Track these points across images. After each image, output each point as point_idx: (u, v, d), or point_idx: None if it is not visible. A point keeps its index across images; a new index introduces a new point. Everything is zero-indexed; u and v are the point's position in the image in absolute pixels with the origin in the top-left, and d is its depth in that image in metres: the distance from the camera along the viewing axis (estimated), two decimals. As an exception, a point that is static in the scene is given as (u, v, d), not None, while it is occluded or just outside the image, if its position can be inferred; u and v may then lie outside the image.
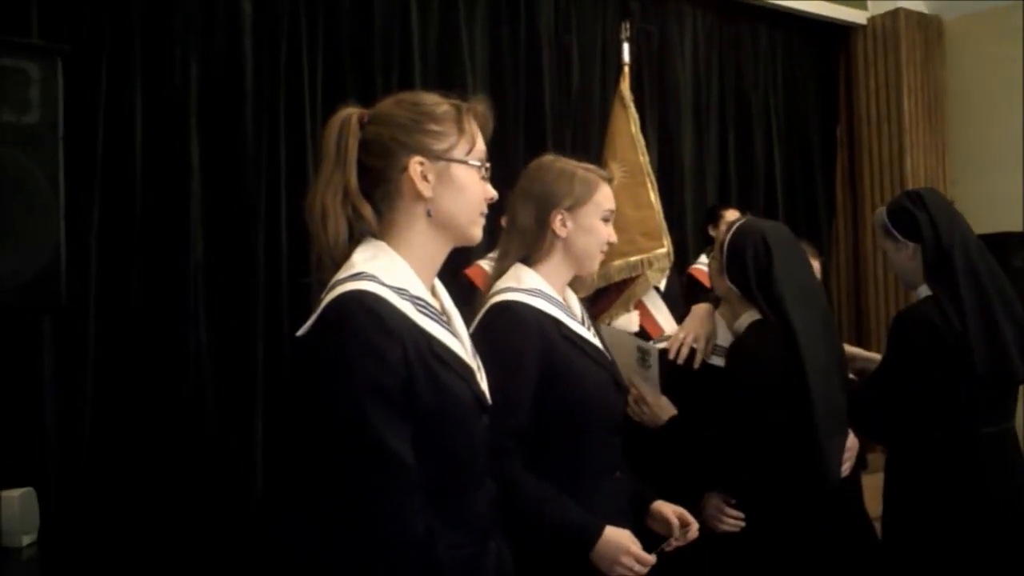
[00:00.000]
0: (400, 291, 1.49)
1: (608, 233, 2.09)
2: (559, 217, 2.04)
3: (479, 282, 2.38)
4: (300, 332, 1.49)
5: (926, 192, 2.71)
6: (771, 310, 2.34)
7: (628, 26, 4.05)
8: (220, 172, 3.63)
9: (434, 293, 1.62)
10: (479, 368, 1.62)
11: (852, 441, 2.46)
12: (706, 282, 4.57)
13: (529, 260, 2.05)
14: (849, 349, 2.83)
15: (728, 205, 5.16)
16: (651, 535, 2.06)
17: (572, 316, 2.05)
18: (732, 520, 2.32)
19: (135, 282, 3.42)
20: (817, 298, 2.49)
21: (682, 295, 4.02)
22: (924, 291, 2.62)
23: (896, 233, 2.65)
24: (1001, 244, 4.48)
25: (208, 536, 3.42)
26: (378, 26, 4.10)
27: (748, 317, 2.41)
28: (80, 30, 3.35)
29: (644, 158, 3.70)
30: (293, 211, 3.74)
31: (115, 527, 3.26)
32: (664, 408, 2.39)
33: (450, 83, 3.93)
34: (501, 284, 2.02)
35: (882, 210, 2.75)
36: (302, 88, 3.86)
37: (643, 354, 2.39)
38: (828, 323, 2.48)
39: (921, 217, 2.60)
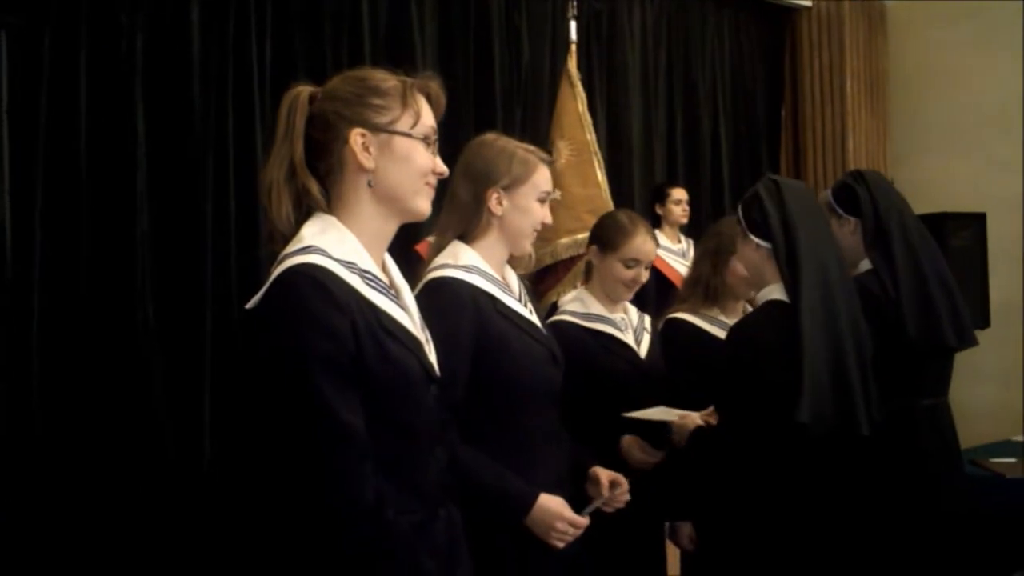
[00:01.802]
0: (348, 264, 1.52)
1: (544, 214, 2.13)
2: (495, 195, 2.07)
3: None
4: (249, 305, 1.52)
5: (868, 172, 2.86)
6: (789, 260, 2.33)
7: (575, 4, 4.08)
8: (167, 144, 3.59)
9: (384, 268, 1.65)
10: (427, 340, 1.66)
11: None
12: (667, 272, 4.64)
13: (466, 237, 2.09)
14: None
15: (675, 183, 5.23)
16: (588, 499, 2.15)
17: (509, 293, 2.09)
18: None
19: (81, 255, 3.38)
20: (832, 252, 2.45)
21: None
22: (865, 265, 2.73)
23: (839, 209, 2.78)
24: (939, 223, 4.61)
25: (156, 509, 3.42)
26: (328, 1, 4.07)
27: (768, 292, 2.43)
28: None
29: (591, 136, 3.76)
30: (241, 184, 3.73)
31: (62, 502, 3.24)
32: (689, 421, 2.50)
33: (399, 59, 3.94)
34: (439, 260, 2.06)
35: (827, 190, 2.89)
36: (250, 60, 3.83)
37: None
38: (842, 286, 2.41)
39: (862, 193, 2.74)
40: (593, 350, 2.55)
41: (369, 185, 1.58)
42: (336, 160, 1.58)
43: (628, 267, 2.60)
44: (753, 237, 2.43)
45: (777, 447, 2.31)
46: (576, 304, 2.66)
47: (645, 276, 2.64)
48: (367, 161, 1.57)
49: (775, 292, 2.40)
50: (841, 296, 2.36)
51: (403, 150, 1.59)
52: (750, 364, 2.31)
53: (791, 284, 2.33)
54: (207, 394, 3.61)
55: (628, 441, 2.55)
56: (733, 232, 2.77)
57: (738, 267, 2.77)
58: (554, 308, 3.01)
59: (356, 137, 1.57)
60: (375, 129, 1.58)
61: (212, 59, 3.73)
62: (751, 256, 2.47)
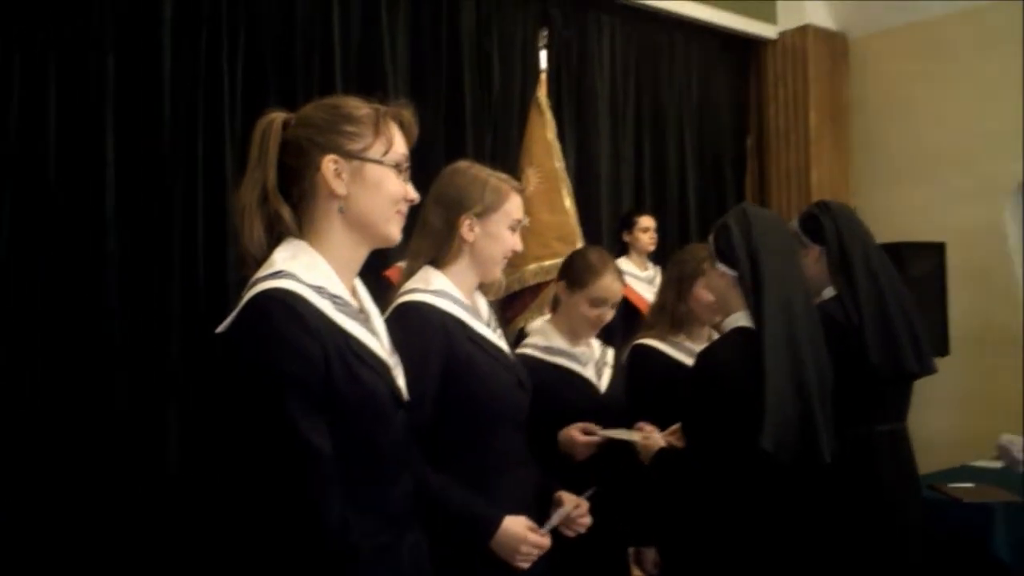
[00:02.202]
0: (319, 289, 1.54)
1: (514, 242, 2.16)
2: (468, 222, 2.10)
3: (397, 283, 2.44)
4: (220, 329, 1.53)
5: (833, 203, 2.95)
6: (754, 288, 2.38)
7: (546, 34, 4.13)
8: (136, 166, 3.58)
9: (354, 292, 1.67)
10: (397, 364, 1.67)
11: None
12: (634, 299, 4.67)
13: (437, 262, 2.11)
14: None
15: (643, 211, 5.29)
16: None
17: (478, 318, 2.12)
18: None
19: (48, 276, 3.36)
20: (799, 281, 2.50)
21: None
22: (829, 292, 2.80)
23: (804, 237, 2.85)
24: (900, 252, 4.70)
25: (119, 531, 3.38)
26: (300, 24, 4.09)
27: (734, 320, 2.47)
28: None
29: (560, 164, 3.80)
30: (210, 207, 3.72)
31: (25, 523, 3.21)
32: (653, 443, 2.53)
33: (371, 84, 3.98)
34: (409, 285, 2.08)
35: (794, 219, 2.96)
36: (221, 84, 3.83)
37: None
38: (807, 315, 2.45)
39: (827, 223, 2.81)
40: (552, 384, 2.55)
41: (340, 211, 1.60)
42: (308, 186, 1.60)
43: (594, 306, 2.61)
44: (720, 264, 2.48)
45: (741, 473, 2.34)
46: (539, 337, 2.68)
47: (610, 315, 2.65)
48: (339, 187, 1.59)
49: (741, 319, 2.44)
50: (805, 325, 2.40)
51: (375, 177, 1.61)
52: (715, 391, 2.35)
53: (755, 311, 2.37)
54: (173, 415, 3.58)
55: (565, 431, 2.54)
56: (697, 259, 2.83)
57: (702, 293, 2.82)
58: (521, 334, 3.03)
59: (328, 164, 1.59)
60: (347, 156, 1.60)
61: (183, 82, 3.73)
62: (718, 283, 2.52)
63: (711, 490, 2.38)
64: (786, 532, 2.36)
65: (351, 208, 1.60)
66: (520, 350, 2.66)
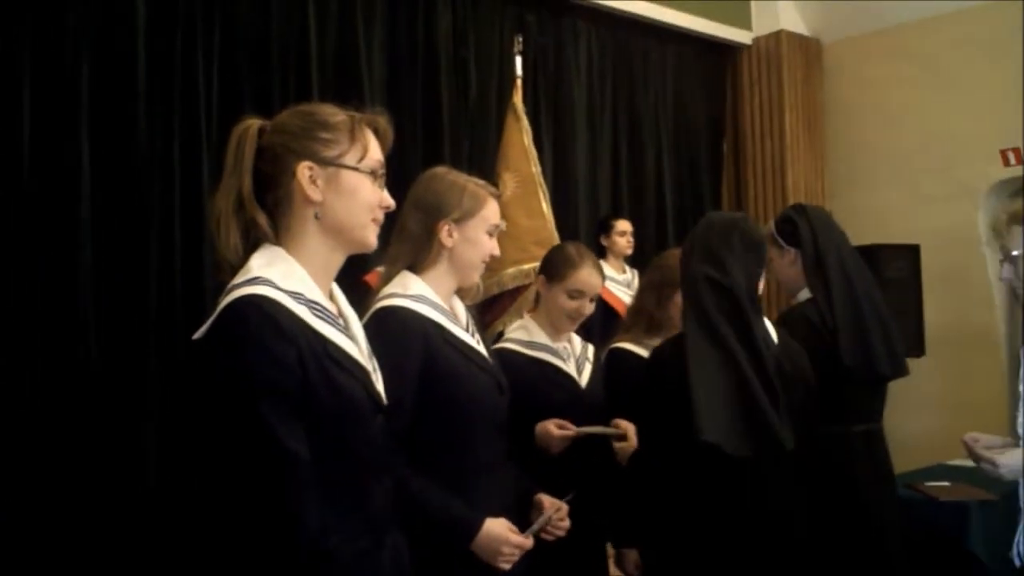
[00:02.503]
0: (296, 295, 1.54)
1: (492, 246, 2.18)
2: (446, 227, 2.11)
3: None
4: (196, 335, 1.53)
5: (809, 206, 2.98)
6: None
7: (521, 40, 4.15)
8: (111, 174, 3.57)
9: (332, 298, 1.67)
10: (375, 369, 1.68)
11: None
12: (612, 302, 4.69)
13: (416, 267, 2.12)
14: None
15: (620, 215, 5.32)
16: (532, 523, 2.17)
17: (456, 322, 2.12)
18: None
19: (21, 288, 3.34)
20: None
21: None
22: (804, 295, 2.83)
23: (780, 240, 2.88)
24: (875, 255, 4.75)
25: (97, 541, 3.37)
26: (276, 32, 4.10)
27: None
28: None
29: (536, 168, 3.82)
30: (187, 215, 3.71)
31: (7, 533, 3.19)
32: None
33: (347, 91, 3.98)
34: (388, 290, 2.09)
35: (771, 222, 2.99)
36: (197, 91, 3.83)
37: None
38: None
39: (802, 226, 2.84)
40: (534, 379, 2.58)
41: (316, 217, 1.60)
42: (284, 192, 1.60)
43: (572, 298, 2.64)
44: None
45: (698, 469, 2.35)
46: (520, 332, 2.70)
47: (590, 309, 2.68)
48: (314, 194, 1.59)
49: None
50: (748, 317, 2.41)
51: (350, 184, 1.62)
52: (659, 387, 2.37)
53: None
54: (151, 423, 3.57)
55: (541, 425, 2.55)
56: (677, 265, 2.84)
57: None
58: (500, 338, 3.04)
59: (304, 170, 1.59)
60: (323, 162, 1.60)
61: (157, 89, 3.72)
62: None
63: (676, 489, 2.39)
64: (760, 530, 2.36)
65: (327, 214, 1.61)
66: (501, 344, 2.67)
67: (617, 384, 2.81)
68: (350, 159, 1.62)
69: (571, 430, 2.53)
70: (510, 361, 2.50)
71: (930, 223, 5.52)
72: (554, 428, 2.53)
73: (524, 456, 2.36)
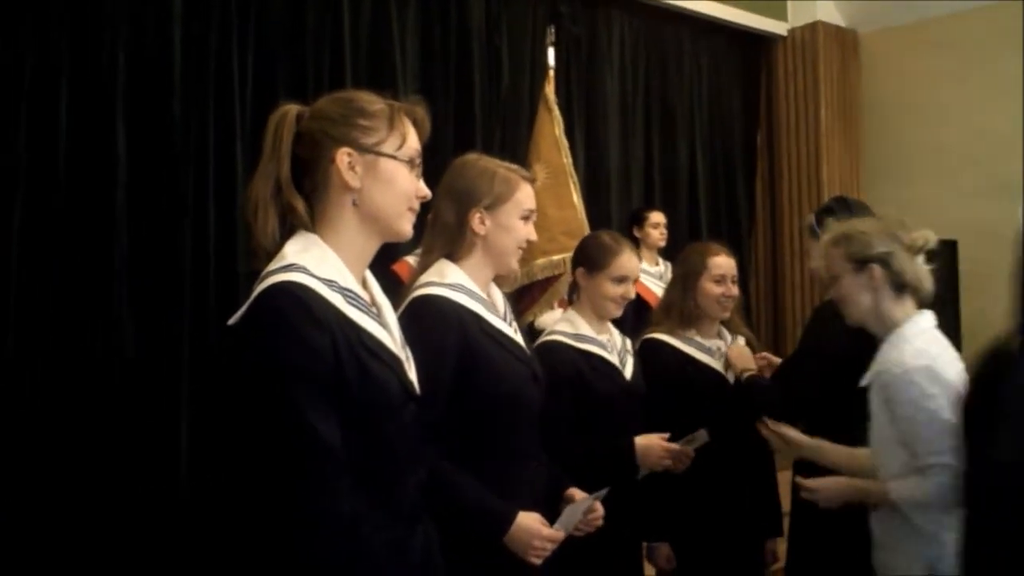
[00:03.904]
0: (330, 283, 1.54)
1: (527, 232, 2.15)
2: (477, 215, 2.09)
3: (404, 277, 2.44)
4: (231, 321, 1.54)
5: (850, 197, 3.02)
6: None
7: (554, 31, 4.13)
8: (147, 164, 3.59)
9: (365, 285, 1.67)
10: (408, 358, 1.67)
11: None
12: (645, 294, 4.66)
13: (453, 256, 2.11)
14: None
15: (653, 207, 5.28)
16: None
17: (494, 312, 2.11)
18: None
19: (58, 277, 3.37)
20: None
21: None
22: None
23: (819, 229, 2.83)
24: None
25: (131, 532, 3.39)
26: (310, 20, 4.10)
27: None
28: (3, 15, 3.29)
29: (567, 160, 3.81)
30: (221, 204, 3.73)
31: (39, 523, 3.22)
32: None
33: (380, 80, 3.98)
34: (424, 278, 2.07)
35: (811, 214, 2.97)
36: (232, 81, 3.84)
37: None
38: None
39: (843, 216, 2.78)
40: (584, 370, 2.58)
41: (354, 204, 1.60)
42: (321, 178, 1.60)
43: (617, 284, 2.64)
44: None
45: None
46: (566, 325, 2.68)
47: (633, 292, 2.70)
48: (353, 180, 1.59)
49: None
50: None
51: (388, 172, 1.62)
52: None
53: None
54: (185, 410, 3.59)
55: (645, 440, 2.58)
56: (700, 255, 2.85)
57: (709, 287, 2.84)
58: (531, 328, 3.03)
59: (342, 156, 1.59)
60: (361, 149, 1.60)
61: (193, 77, 3.74)
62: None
63: None
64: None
65: (364, 202, 1.60)
66: (549, 337, 2.67)
67: (652, 373, 2.80)
68: (389, 147, 1.62)
69: (674, 446, 2.56)
70: (560, 353, 2.52)
71: (968, 218, 5.44)
72: (662, 443, 2.57)
73: (567, 447, 2.36)
